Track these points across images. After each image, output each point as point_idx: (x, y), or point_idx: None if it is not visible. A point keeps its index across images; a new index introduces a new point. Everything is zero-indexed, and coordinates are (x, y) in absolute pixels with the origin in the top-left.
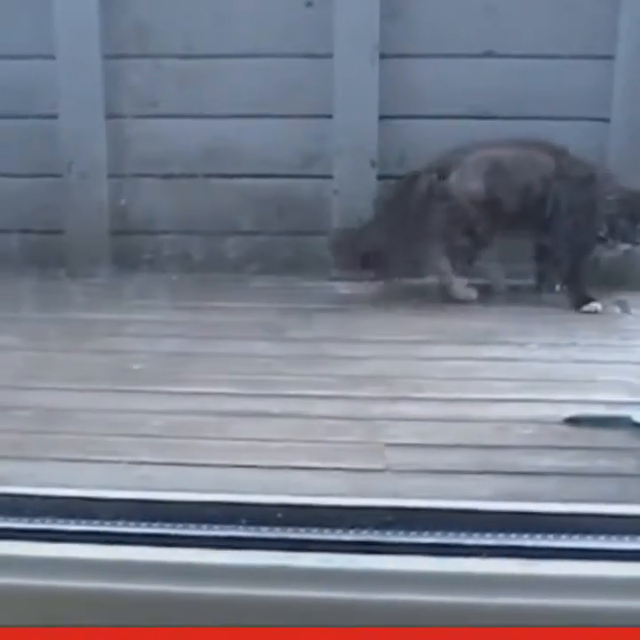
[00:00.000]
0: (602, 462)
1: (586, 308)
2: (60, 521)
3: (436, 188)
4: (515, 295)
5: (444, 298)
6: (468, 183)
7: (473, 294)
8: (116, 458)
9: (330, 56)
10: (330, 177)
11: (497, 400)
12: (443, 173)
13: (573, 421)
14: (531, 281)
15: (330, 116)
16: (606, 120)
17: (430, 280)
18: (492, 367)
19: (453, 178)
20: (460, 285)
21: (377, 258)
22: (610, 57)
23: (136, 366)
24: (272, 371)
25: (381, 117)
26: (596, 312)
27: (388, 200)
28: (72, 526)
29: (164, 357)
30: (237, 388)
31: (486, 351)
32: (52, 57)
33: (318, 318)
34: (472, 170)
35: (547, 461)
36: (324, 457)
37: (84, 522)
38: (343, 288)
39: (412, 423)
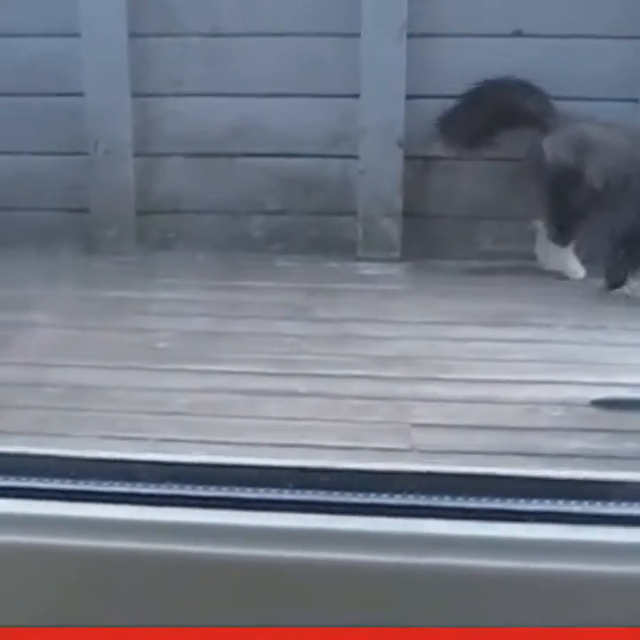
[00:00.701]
0: (629, 445)
1: (616, 290)
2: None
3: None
4: (541, 277)
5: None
6: (559, 151)
7: (580, 272)
8: (142, 435)
9: (357, 35)
10: (356, 157)
11: (524, 382)
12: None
13: (600, 404)
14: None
15: (357, 96)
16: (635, 100)
17: (457, 263)
18: (520, 349)
19: (546, 142)
20: (572, 259)
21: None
22: (638, 37)
23: (162, 345)
24: (298, 350)
25: (408, 97)
26: (626, 296)
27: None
28: (117, 488)
29: (190, 336)
30: (263, 367)
31: (514, 333)
32: (78, 35)
33: (344, 298)
34: (566, 138)
35: (573, 443)
36: (351, 436)
37: (128, 484)
38: (369, 268)
39: (439, 404)
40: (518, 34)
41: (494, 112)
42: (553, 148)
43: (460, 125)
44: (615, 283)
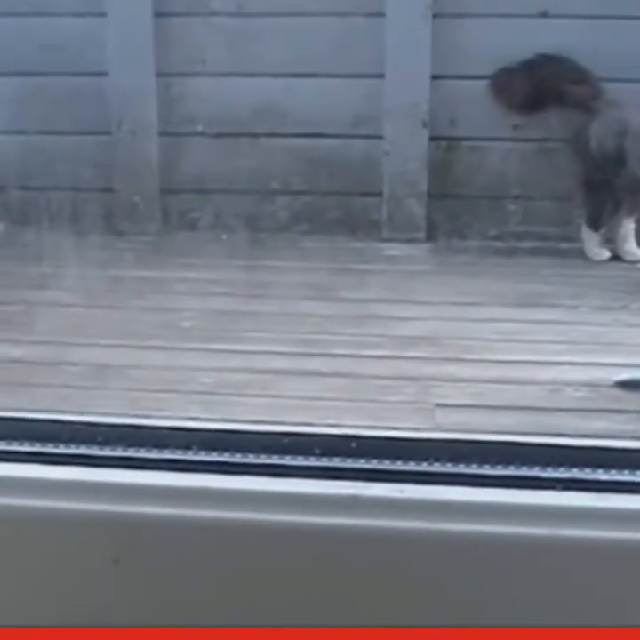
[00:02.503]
0: None
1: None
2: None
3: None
4: (565, 259)
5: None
6: (604, 138)
7: (604, 254)
8: (165, 414)
9: (382, 15)
10: (381, 137)
11: (548, 363)
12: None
13: (624, 385)
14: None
15: (381, 76)
16: None
17: (481, 243)
18: (543, 330)
19: (593, 128)
20: (594, 241)
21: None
22: None
23: (186, 324)
24: (322, 330)
25: (433, 77)
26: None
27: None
28: (144, 454)
29: (214, 315)
30: (287, 346)
31: (537, 314)
32: (103, 15)
33: (368, 279)
34: (612, 125)
35: (598, 424)
36: (375, 416)
37: (154, 450)
38: (394, 249)
39: (463, 384)
40: (544, 14)
41: (547, 85)
42: (598, 134)
43: (512, 88)
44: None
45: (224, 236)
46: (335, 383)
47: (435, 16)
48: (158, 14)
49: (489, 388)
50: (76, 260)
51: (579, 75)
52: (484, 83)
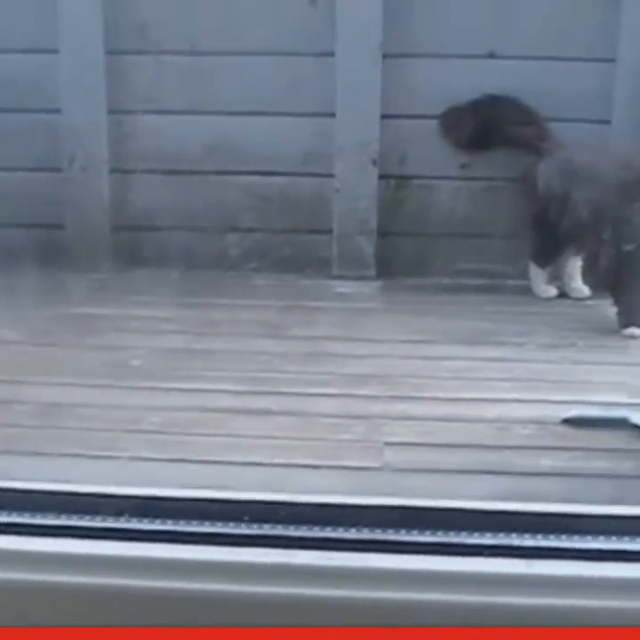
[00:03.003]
0: (600, 463)
1: (626, 331)
2: (63, 516)
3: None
4: (513, 296)
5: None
6: (551, 179)
7: (552, 292)
8: (115, 453)
9: (333, 54)
10: (331, 175)
11: (496, 400)
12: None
13: (572, 422)
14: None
15: (332, 115)
16: (608, 122)
17: (431, 281)
18: (492, 367)
19: (541, 169)
20: (541, 279)
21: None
22: (611, 60)
23: (135, 362)
24: (272, 368)
25: (383, 116)
26: (634, 337)
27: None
28: (72, 522)
29: (164, 353)
30: (237, 384)
31: (486, 351)
32: (55, 51)
33: (318, 316)
34: (559, 166)
35: (545, 462)
36: (324, 455)
37: (86, 517)
38: (344, 286)
39: (412, 422)
40: (492, 55)
41: (494, 125)
42: (545, 175)
43: (460, 127)
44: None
45: (175, 274)
46: (285, 421)
47: (385, 56)
48: (110, 52)
49: (438, 425)
50: (25, 297)
51: (526, 115)
52: (433, 122)
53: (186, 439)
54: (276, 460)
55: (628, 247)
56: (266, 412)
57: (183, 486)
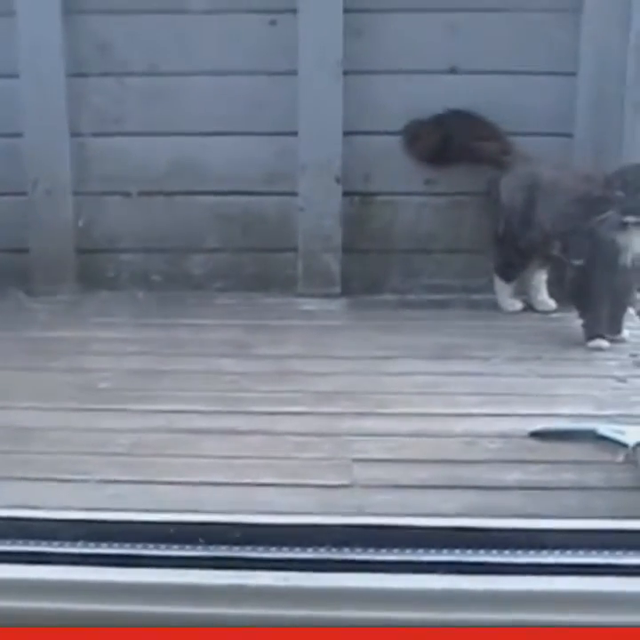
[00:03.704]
0: (567, 476)
1: (591, 343)
2: (21, 542)
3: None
4: (478, 310)
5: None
6: (514, 193)
7: (517, 305)
8: (84, 477)
9: (294, 73)
10: (295, 194)
11: (463, 415)
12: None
13: (539, 435)
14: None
15: (294, 133)
16: (570, 135)
17: (396, 297)
18: (458, 382)
19: (504, 183)
20: (506, 293)
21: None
22: (572, 73)
23: (102, 384)
24: (239, 387)
25: (346, 134)
26: (600, 349)
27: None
28: (33, 548)
29: (130, 375)
30: (204, 405)
31: (451, 366)
32: (15, 76)
33: (284, 335)
34: (522, 180)
35: (513, 475)
36: (292, 473)
37: (44, 543)
38: (309, 304)
39: (379, 438)
40: (453, 71)
41: (457, 140)
42: (509, 188)
43: (423, 140)
44: (589, 332)
45: (140, 295)
46: (253, 441)
47: (345, 73)
48: (71, 74)
49: (406, 441)
50: None
51: (488, 130)
52: (396, 138)
53: (154, 461)
54: (245, 480)
55: (590, 260)
56: (234, 432)
57: (150, 508)
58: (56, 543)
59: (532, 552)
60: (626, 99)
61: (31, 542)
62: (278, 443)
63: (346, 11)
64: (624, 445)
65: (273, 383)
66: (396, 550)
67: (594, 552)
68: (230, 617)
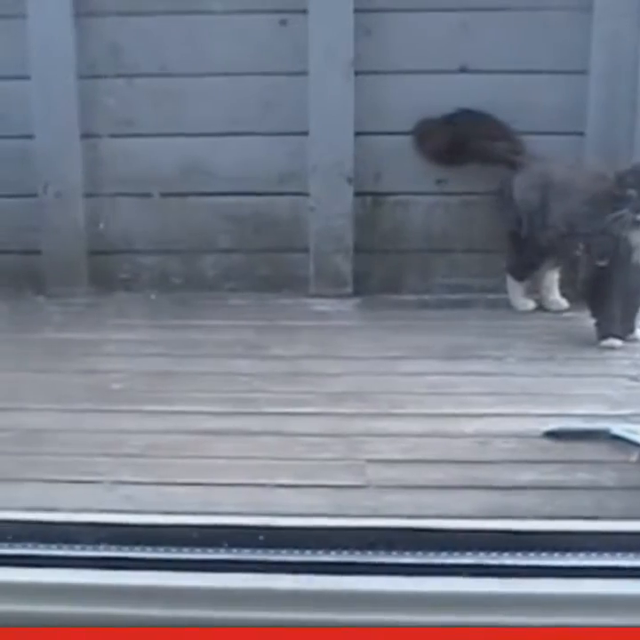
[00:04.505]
0: (582, 475)
1: (604, 342)
2: (42, 546)
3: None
4: (491, 310)
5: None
6: (526, 193)
7: (530, 305)
8: (97, 478)
9: (305, 73)
10: (306, 194)
11: (477, 415)
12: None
13: (553, 435)
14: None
15: (305, 134)
16: (581, 134)
17: (408, 297)
18: (472, 382)
19: (516, 182)
20: (519, 292)
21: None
22: (584, 72)
23: (116, 386)
24: (252, 388)
25: (357, 134)
26: (613, 348)
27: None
28: (52, 551)
29: (144, 376)
30: (218, 406)
31: (465, 366)
32: (26, 77)
33: (297, 335)
34: (534, 179)
35: (527, 475)
36: (306, 474)
37: (65, 546)
38: (322, 305)
39: (393, 439)
40: (464, 70)
41: (468, 140)
42: (521, 188)
43: (434, 138)
44: (602, 332)
45: (153, 296)
46: (266, 442)
47: (357, 73)
48: (82, 76)
49: (419, 442)
50: (3, 323)
51: (499, 129)
52: (407, 138)
53: (168, 462)
54: (259, 481)
55: (604, 260)
56: (247, 433)
57: (165, 510)
58: (77, 547)
59: (556, 554)
60: (637, 97)
61: (52, 546)
62: (292, 444)
63: (356, 10)
64: (638, 445)
65: (286, 384)
66: (419, 553)
67: (619, 554)
68: (254, 620)
